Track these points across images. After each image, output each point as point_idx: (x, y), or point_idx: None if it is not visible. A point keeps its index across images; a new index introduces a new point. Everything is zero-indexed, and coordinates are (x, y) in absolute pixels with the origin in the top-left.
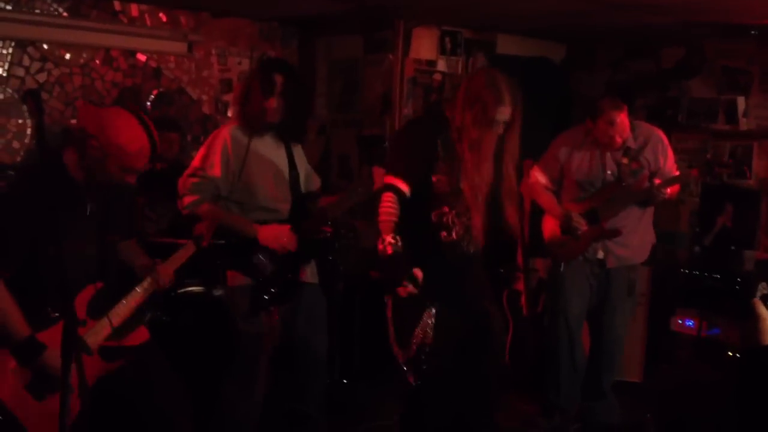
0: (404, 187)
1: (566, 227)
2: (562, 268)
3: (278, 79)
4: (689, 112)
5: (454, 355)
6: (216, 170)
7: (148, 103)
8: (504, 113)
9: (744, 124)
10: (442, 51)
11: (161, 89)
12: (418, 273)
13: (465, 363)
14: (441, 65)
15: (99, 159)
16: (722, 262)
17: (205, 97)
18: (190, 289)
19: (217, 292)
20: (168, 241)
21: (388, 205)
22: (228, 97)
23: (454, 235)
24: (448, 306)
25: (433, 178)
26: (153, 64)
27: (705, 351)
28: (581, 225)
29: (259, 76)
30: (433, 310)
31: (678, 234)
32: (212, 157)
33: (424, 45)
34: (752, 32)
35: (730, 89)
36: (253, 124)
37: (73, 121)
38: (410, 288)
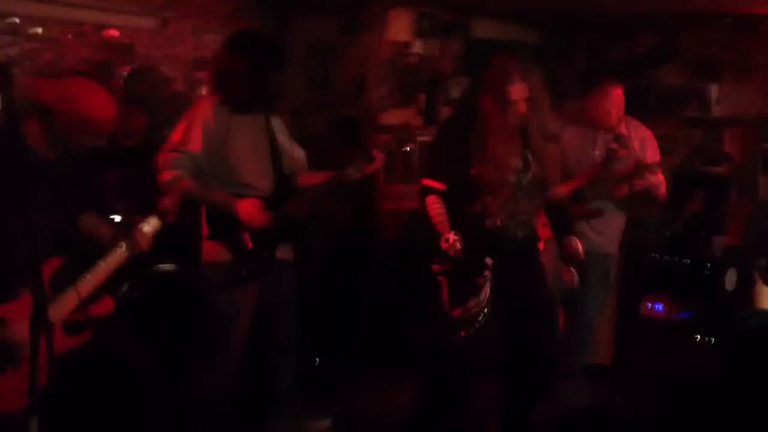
0: (440, 186)
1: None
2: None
3: (268, 54)
4: (660, 99)
5: (502, 333)
6: (197, 145)
7: (121, 80)
8: (517, 91)
9: (716, 112)
10: (418, 33)
11: (133, 65)
12: (489, 260)
13: (516, 344)
14: (417, 47)
15: (70, 131)
16: (691, 247)
17: (177, 75)
18: (162, 267)
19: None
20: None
21: (435, 207)
22: (201, 75)
23: (498, 222)
24: (500, 284)
25: (472, 170)
26: (125, 40)
27: (674, 335)
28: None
29: (246, 53)
30: (489, 286)
31: (647, 219)
32: (193, 131)
33: (400, 26)
34: (727, 20)
35: (702, 77)
36: (241, 101)
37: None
38: (487, 274)
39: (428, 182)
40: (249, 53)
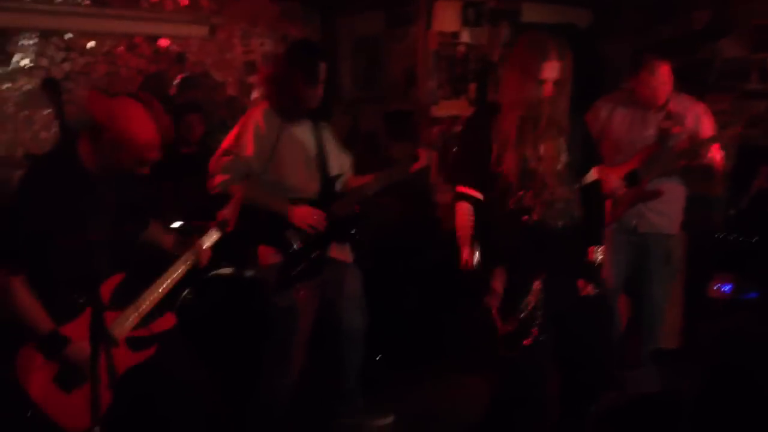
0: (476, 193)
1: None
2: None
3: (322, 67)
4: (721, 74)
5: (557, 329)
6: (248, 150)
7: (174, 88)
8: (551, 69)
9: None
10: (466, 22)
11: (185, 73)
12: (497, 286)
13: (568, 338)
14: (465, 36)
15: (111, 150)
16: (759, 225)
17: (229, 79)
18: (220, 271)
19: (248, 273)
20: (195, 224)
21: (463, 217)
22: (252, 79)
23: (535, 216)
24: (548, 279)
25: (499, 169)
26: (176, 48)
27: (744, 316)
28: (620, 188)
29: (302, 64)
30: (538, 284)
31: (713, 198)
32: (245, 137)
33: (447, 17)
34: None
35: (763, 48)
36: (292, 110)
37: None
38: (492, 301)
39: (462, 189)
40: (295, 64)
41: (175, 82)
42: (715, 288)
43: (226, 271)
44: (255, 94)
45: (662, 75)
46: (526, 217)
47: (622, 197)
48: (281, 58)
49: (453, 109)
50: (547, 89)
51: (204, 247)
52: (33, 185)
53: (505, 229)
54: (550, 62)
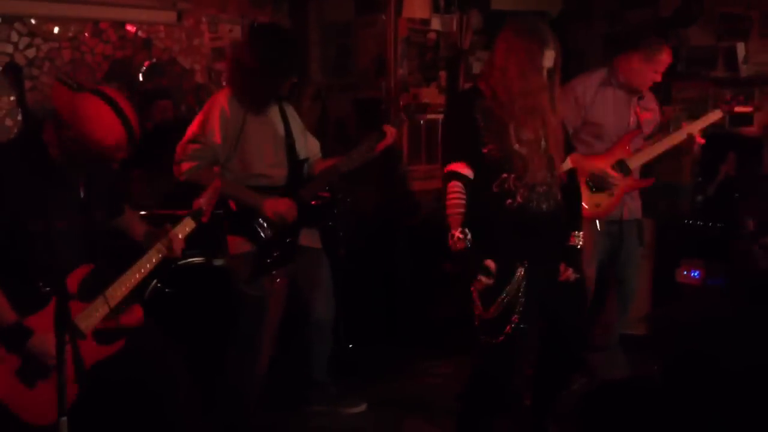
0: (467, 171)
1: (600, 184)
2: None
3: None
4: (688, 61)
5: (536, 315)
6: (216, 137)
7: (140, 75)
8: (550, 58)
9: (744, 71)
10: (436, 9)
11: (152, 60)
12: (491, 264)
13: (547, 322)
14: (435, 24)
15: (76, 146)
16: (725, 211)
17: (197, 66)
18: (191, 260)
19: (218, 262)
20: (166, 212)
21: (455, 197)
22: (220, 66)
23: (519, 198)
24: (531, 266)
25: (484, 150)
26: (143, 34)
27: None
28: (617, 180)
29: (270, 54)
30: (521, 271)
31: (680, 185)
32: (211, 123)
33: (417, 4)
34: None
35: (729, 36)
36: (258, 99)
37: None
38: (485, 280)
39: (456, 167)
40: (262, 47)
41: (143, 69)
42: (683, 274)
43: (196, 260)
44: (224, 81)
45: (662, 63)
46: (509, 200)
47: (618, 189)
48: (241, 43)
49: (423, 96)
50: (545, 77)
51: (177, 238)
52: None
53: (489, 212)
54: (549, 51)
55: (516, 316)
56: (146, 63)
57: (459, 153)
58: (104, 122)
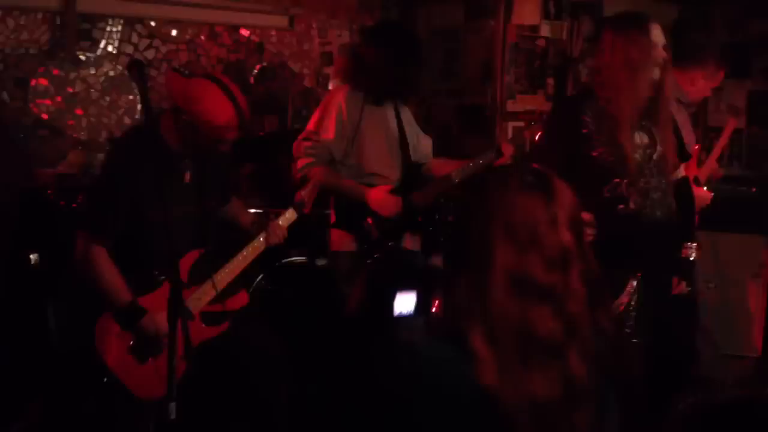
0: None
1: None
2: None
3: (411, 48)
4: None
5: (649, 331)
6: (330, 134)
7: (252, 78)
8: (660, 54)
9: None
10: (546, 15)
11: (264, 64)
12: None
13: (656, 338)
14: (544, 30)
15: (190, 130)
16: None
17: (306, 71)
18: (293, 259)
19: (320, 262)
20: (274, 210)
21: None
22: (328, 70)
23: (632, 204)
24: (644, 278)
25: (593, 153)
26: (256, 38)
27: None
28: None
29: (390, 45)
30: (634, 282)
31: None
32: (326, 120)
33: (527, 10)
34: None
35: None
36: (376, 93)
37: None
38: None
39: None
40: (387, 45)
41: (254, 72)
42: None
43: (300, 259)
44: (331, 86)
45: (717, 80)
46: (621, 206)
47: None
48: (362, 40)
49: (530, 104)
50: (656, 74)
51: (280, 227)
52: (118, 160)
53: (600, 217)
54: (659, 47)
55: (628, 330)
56: (258, 66)
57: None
58: (215, 102)
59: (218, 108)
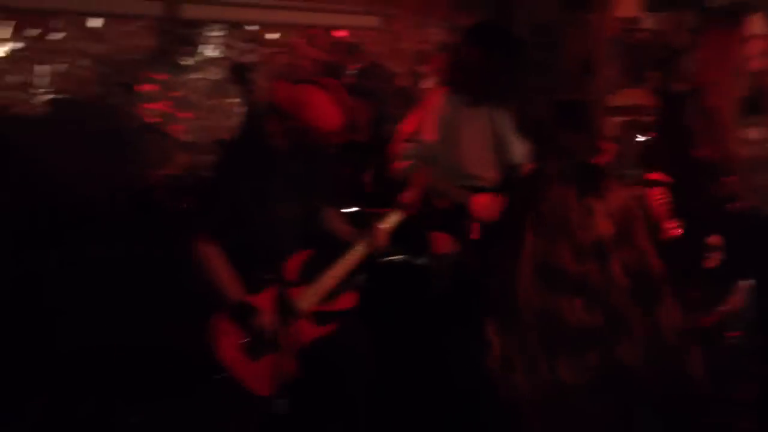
0: (666, 178)
1: None
2: None
3: (508, 48)
4: None
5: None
6: (430, 134)
7: (348, 79)
8: (761, 45)
9: None
10: (649, 7)
11: (360, 64)
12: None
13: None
14: (647, 22)
15: (298, 135)
16: None
17: (401, 70)
18: (394, 258)
19: (421, 261)
20: (373, 210)
21: (660, 198)
22: (424, 69)
23: (743, 202)
24: (759, 277)
25: (699, 153)
26: (351, 39)
27: None
28: None
29: (488, 44)
30: (749, 283)
31: None
32: (426, 121)
33: (628, 2)
34: None
35: None
36: (474, 93)
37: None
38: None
39: (653, 175)
40: (487, 45)
41: (350, 72)
42: None
43: (399, 258)
44: (426, 85)
45: None
46: (731, 204)
47: None
48: (461, 40)
49: (632, 98)
50: (755, 63)
51: (382, 232)
52: (227, 162)
53: (709, 216)
54: (761, 40)
55: (738, 331)
56: (354, 67)
57: (664, 160)
58: (324, 108)
59: (327, 113)
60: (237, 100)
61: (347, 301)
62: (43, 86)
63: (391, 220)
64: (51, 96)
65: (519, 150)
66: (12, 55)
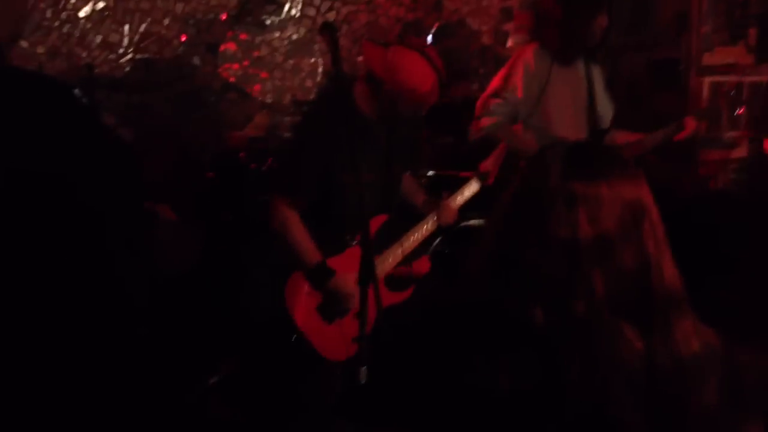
0: None
1: None
2: None
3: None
4: None
5: None
6: (518, 92)
7: (429, 37)
8: None
9: None
10: None
11: (442, 22)
12: None
13: None
14: None
15: (392, 99)
16: None
17: (484, 28)
18: (471, 222)
19: None
20: (450, 173)
21: None
22: (508, 26)
23: None
24: None
25: None
26: None
27: None
28: None
29: (572, 5)
30: None
31: None
32: (514, 78)
33: None
34: None
35: None
36: (566, 49)
37: (360, 59)
38: None
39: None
40: (575, 1)
41: (432, 30)
42: None
43: (477, 222)
44: (510, 43)
45: None
46: None
47: None
48: None
49: (729, 56)
50: None
51: (452, 210)
52: (312, 125)
53: None
54: None
55: None
56: (436, 24)
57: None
58: (418, 70)
59: (421, 76)
60: (317, 60)
61: (422, 266)
62: (125, 46)
63: (465, 194)
64: (133, 56)
65: (609, 114)
66: (95, 14)
